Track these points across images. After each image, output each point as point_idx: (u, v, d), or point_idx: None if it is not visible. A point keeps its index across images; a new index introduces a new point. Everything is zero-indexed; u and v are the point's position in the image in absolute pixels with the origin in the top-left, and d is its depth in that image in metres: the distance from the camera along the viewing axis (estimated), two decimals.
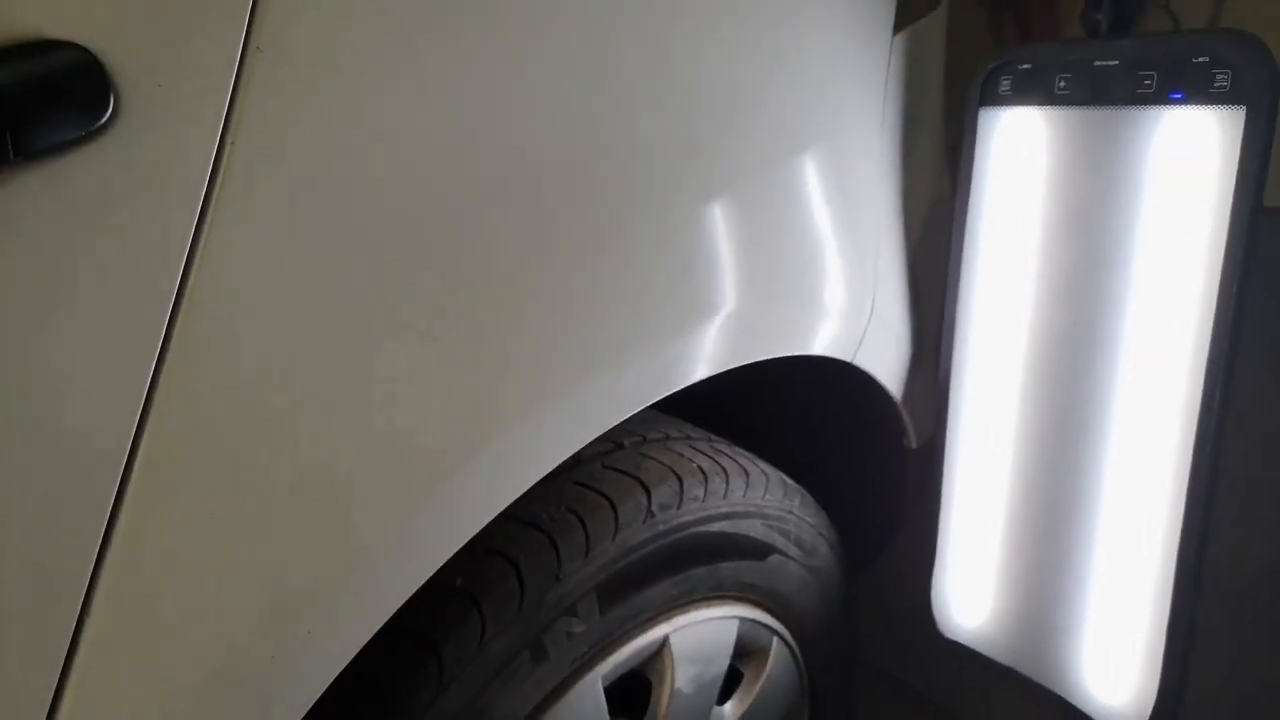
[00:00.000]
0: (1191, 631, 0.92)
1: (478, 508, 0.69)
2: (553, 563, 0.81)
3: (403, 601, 0.66)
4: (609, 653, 0.88)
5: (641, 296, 0.78)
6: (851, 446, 1.28)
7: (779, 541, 1.03)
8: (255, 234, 0.56)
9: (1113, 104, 0.95)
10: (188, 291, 0.53)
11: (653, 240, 0.79)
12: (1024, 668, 1.08)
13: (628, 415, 0.80)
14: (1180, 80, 0.90)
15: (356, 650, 0.64)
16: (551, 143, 0.71)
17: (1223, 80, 0.88)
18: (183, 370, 0.54)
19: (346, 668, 0.64)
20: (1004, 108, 1.04)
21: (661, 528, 0.89)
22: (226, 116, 0.53)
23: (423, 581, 0.66)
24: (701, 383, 0.86)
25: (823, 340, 0.99)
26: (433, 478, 0.65)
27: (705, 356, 0.85)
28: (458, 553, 0.70)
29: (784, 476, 1.06)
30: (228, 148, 0.53)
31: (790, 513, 1.05)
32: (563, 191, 0.72)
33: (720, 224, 0.84)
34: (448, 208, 0.65)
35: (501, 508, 0.71)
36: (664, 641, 0.92)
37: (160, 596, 0.55)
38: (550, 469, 0.74)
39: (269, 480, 0.58)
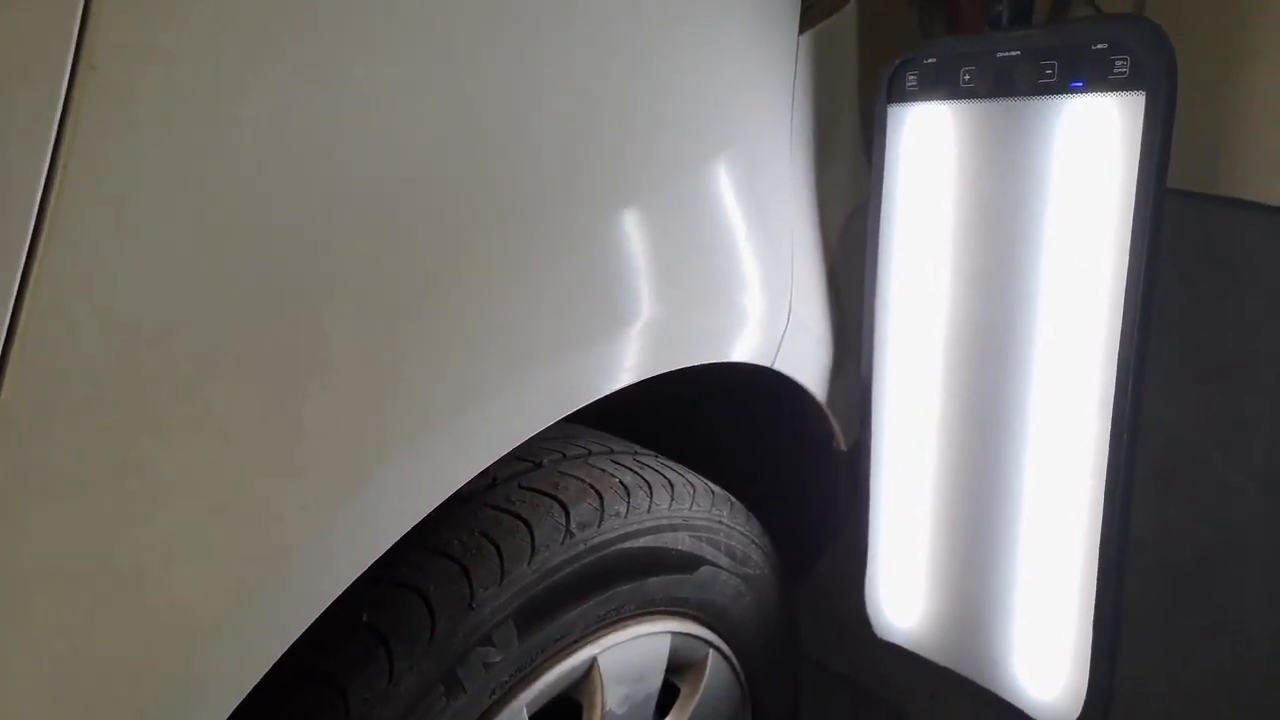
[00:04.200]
0: (1118, 623, 0.92)
1: (371, 537, 0.66)
2: (465, 591, 0.78)
3: (293, 639, 0.62)
4: (532, 680, 0.85)
5: (546, 307, 0.76)
6: (782, 452, 1.27)
7: (708, 552, 1.01)
8: (92, 263, 0.52)
9: (1016, 95, 0.95)
10: (20, 325, 0.50)
11: (556, 250, 0.77)
12: (958, 666, 1.07)
13: (540, 429, 0.77)
14: (1080, 68, 0.90)
15: (246, 691, 0.61)
16: (441, 153, 0.68)
17: (1122, 66, 0.88)
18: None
19: (248, 714, 0.61)
20: (911, 104, 1.04)
21: (581, 547, 0.87)
22: (57, 138, 0.50)
23: (314, 619, 0.63)
24: (629, 395, 0.84)
25: (741, 346, 0.98)
26: (316, 506, 0.61)
27: (619, 367, 0.83)
28: (364, 587, 0.67)
29: (711, 485, 1.04)
30: (59, 172, 0.50)
31: (719, 522, 1.03)
32: (459, 203, 0.70)
33: (627, 232, 0.83)
34: (320, 223, 0.62)
35: (398, 536, 0.68)
36: (592, 663, 0.90)
37: (31, 637, 0.52)
38: (454, 490, 0.72)
39: (138, 523, 0.55)
